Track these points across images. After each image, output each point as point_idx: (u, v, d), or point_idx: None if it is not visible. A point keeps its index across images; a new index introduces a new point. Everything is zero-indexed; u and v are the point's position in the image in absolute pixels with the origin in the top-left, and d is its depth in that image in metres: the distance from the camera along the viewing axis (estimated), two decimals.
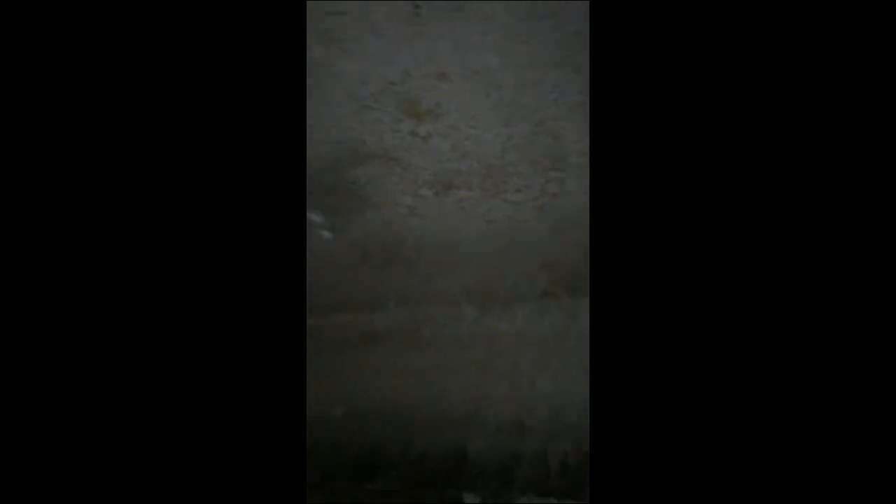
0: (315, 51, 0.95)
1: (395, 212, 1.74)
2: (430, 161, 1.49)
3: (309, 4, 0.79)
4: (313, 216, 1.75)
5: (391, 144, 1.40)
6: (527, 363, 1.83)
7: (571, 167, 1.42)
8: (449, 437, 2.07)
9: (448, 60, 1.17)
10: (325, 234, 1.85)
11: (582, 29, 1.07)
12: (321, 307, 2.55)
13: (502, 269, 1.77)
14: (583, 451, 1.73)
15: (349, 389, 2.52)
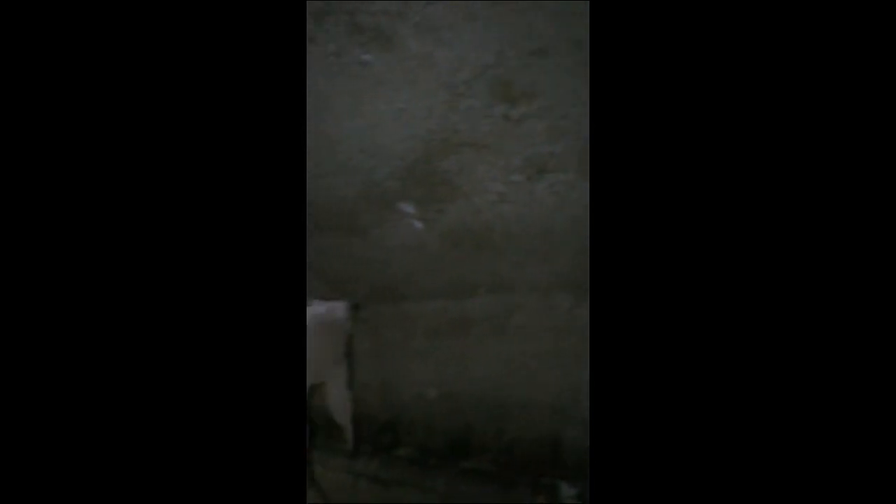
0: (411, 44, 0.92)
1: (485, 199, 1.70)
2: (523, 145, 1.42)
3: (408, 4, 0.76)
4: (405, 207, 1.77)
5: (483, 131, 1.35)
6: None
7: None
8: (543, 425, 2.04)
9: (546, 34, 1.08)
10: (416, 223, 1.87)
11: None
12: (413, 294, 2.61)
13: None
14: None
15: (442, 373, 2.57)
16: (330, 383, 3.32)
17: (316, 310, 3.45)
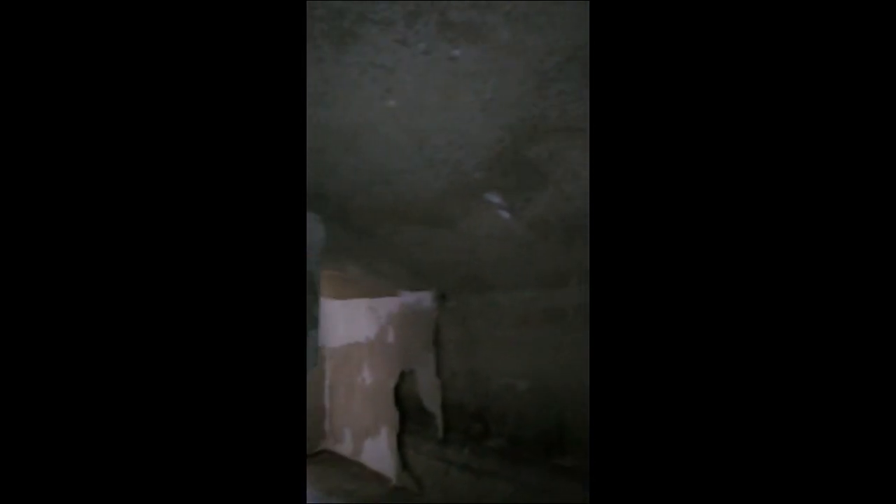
0: (501, 34, 0.89)
1: (577, 186, 1.62)
2: None
3: None
4: (492, 197, 1.74)
5: (574, 114, 1.28)
6: None
7: None
8: None
9: None
10: (504, 213, 1.84)
11: None
12: (501, 284, 2.59)
13: None
14: None
15: (532, 364, 2.53)
16: (419, 371, 3.43)
17: (404, 300, 3.58)
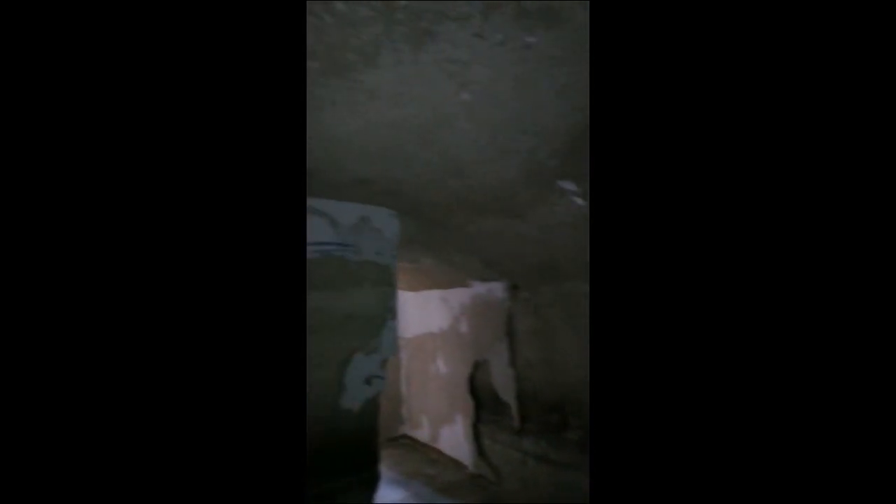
0: (579, 15, 0.87)
1: None
2: None
3: None
4: (565, 184, 1.71)
5: None
6: None
7: None
8: None
9: None
10: (578, 200, 1.79)
11: None
12: (575, 274, 2.53)
13: None
14: None
15: None
16: (492, 361, 3.46)
17: (476, 290, 3.61)
